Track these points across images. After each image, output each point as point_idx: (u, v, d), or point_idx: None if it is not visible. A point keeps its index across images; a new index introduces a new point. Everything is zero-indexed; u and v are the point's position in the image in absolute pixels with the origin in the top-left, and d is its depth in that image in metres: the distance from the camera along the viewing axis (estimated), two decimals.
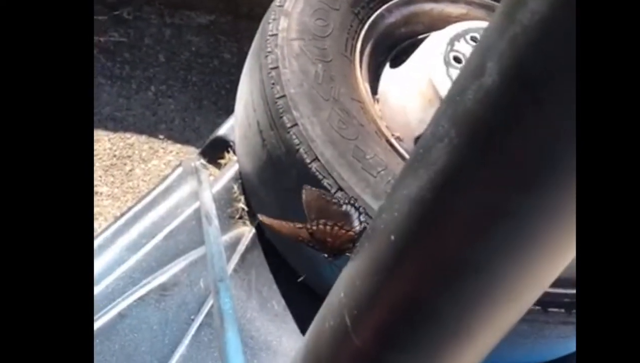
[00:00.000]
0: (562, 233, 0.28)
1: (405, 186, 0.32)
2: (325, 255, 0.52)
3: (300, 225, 0.49)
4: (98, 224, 1.78)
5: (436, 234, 0.31)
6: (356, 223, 0.50)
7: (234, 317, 1.21)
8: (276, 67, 1.33)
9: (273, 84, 1.32)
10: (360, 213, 0.50)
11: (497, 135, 0.27)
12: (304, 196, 0.52)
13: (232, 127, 1.70)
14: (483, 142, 0.28)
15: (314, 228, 0.49)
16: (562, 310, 1.18)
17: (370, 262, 0.35)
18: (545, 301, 1.18)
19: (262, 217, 0.50)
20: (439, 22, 1.59)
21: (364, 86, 1.42)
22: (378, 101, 1.52)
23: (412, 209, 0.31)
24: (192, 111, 2.11)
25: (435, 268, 0.31)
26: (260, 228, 1.48)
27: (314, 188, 0.52)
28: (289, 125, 1.28)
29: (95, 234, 1.62)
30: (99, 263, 1.33)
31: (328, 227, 0.49)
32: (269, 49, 1.36)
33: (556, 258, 0.30)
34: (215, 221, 1.35)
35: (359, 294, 0.36)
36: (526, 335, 1.22)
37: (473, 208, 0.29)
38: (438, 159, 0.30)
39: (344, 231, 0.49)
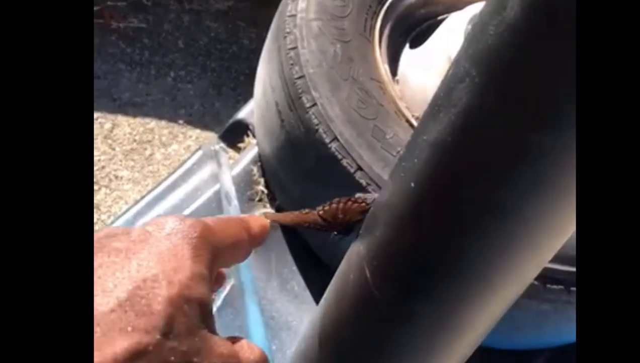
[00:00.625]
0: None
1: (425, 131, 0.32)
2: (335, 233, 0.51)
3: (307, 210, 0.48)
4: (119, 207, 1.80)
5: (457, 178, 0.30)
6: (370, 197, 0.49)
7: (254, 291, 1.21)
8: (295, 48, 1.33)
9: (292, 64, 1.32)
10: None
11: (519, 70, 0.26)
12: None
13: (251, 111, 1.70)
14: (505, 78, 0.27)
15: (326, 208, 0.48)
16: None
17: (390, 211, 0.34)
18: (568, 281, 1.17)
19: (266, 215, 0.48)
20: (459, 3, 1.58)
21: (384, 67, 1.41)
22: (398, 82, 1.52)
23: (432, 155, 0.31)
24: (211, 97, 2.11)
25: (456, 214, 0.31)
26: (280, 210, 1.48)
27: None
28: (307, 105, 1.27)
29: (115, 217, 1.63)
30: None
31: (341, 204, 0.49)
32: (287, 30, 1.36)
33: None
34: (235, 201, 1.35)
35: (379, 245, 0.35)
36: (550, 316, 1.21)
37: (494, 149, 0.28)
38: (459, 101, 0.29)
39: (356, 204, 0.49)
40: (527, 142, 0.27)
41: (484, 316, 0.36)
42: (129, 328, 0.32)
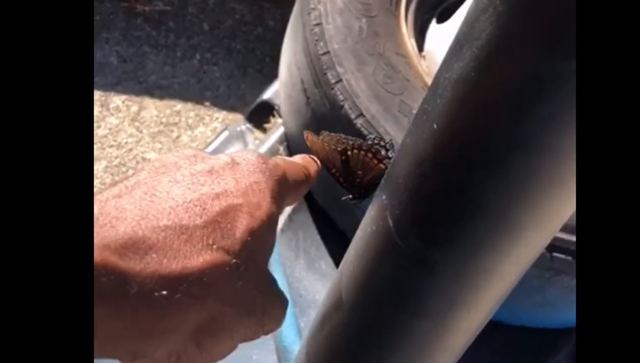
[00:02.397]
0: None
1: (448, 69, 0.30)
2: (351, 196, 0.51)
3: (334, 146, 0.48)
4: None
5: (481, 114, 0.29)
6: (385, 154, 0.48)
7: (281, 268, 1.20)
8: (319, 24, 1.32)
9: (316, 40, 1.31)
10: (388, 150, 0.49)
11: None
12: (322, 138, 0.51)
13: (276, 92, 1.70)
14: (529, 4, 0.26)
15: (347, 153, 0.48)
16: None
17: (412, 156, 0.33)
18: None
19: (306, 133, 0.49)
20: None
21: (410, 42, 1.39)
22: (424, 57, 1.50)
23: (455, 92, 0.30)
24: (236, 78, 2.10)
25: (480, 153, 0.30)
26: None
27: (332, 133, 0.51)
28: (333, 81, 1.26)
29: None
30: None
31: (362, 153, 0.48)
32: (312, 6, 1.35)
33: None
34: None
35: (401, 192, 0.34)
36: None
37: (519, 80, 0.27)
38: (482, 33, 0.28)
39: (375, 162, 0.48)
40: (552, 70, 0.26)
41: (512, 263, 0.35)
42: (215, 246, 0.35)
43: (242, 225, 0.36)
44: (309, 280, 1.39)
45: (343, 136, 0.50)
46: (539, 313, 1.37)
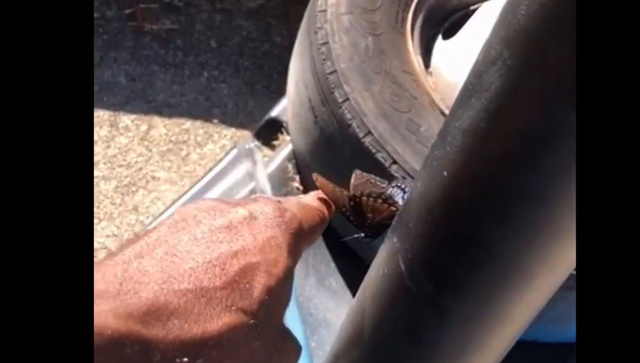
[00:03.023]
0: None
1: (457, 118, 0.31)
2: (362, 235, 0.51)
3: (346, 192, 0.48)
4: (157, 208, 1.81)
5: (491, 164, 0.29)
6: (400, 201, 0.49)
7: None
8: (326, 43, 1.32)
9: (323, 59, 1.31)
10: (405, 193, 0.49)
11: (552, 48, 0.25)
12: (352, 180, 0.51)
13: (284, 109, 1.70)
14: (537, 59, 0.26)
15: (357, 199, 0.48)
16: None
17: (423, 202, 0.34)
18: None
19: (315, 176, 0.49)
20: None
21: (416, 59, 1.40)
22: (431, 73, 1.50)
23: (465, 142, 0.30)
24: (245, 95, 2.11)
25: (490, 202, 0.30)
26: None
27: (364, 173, 0.51)
28: (340, 100, 1.27)
29: (154, 217, 1.64)
30: None
31: (371, 199, 0.48)
32: (318, 25, 1.35)
33: None
34: None
35: (412, 237, 0.34)
36: None
37: (529, 133, 0.27)
38: (491, 85, 0.28)
39: (386, 206, 0.48)
40: (563, 124, 0.26)
41: (522, 308, 0.35)
42: (234, 307, 0.35)
43: (259, 284, 0.37)
44: (320, 298, 1.39)
45: (372, 177, 0.51)
46: (551, 328, 1.36)
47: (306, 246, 0.44)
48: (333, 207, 0.48)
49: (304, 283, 1.38)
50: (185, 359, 0.32)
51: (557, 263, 0.32)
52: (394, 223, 0.38)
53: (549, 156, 0.27)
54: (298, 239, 0.41)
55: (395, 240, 0.36)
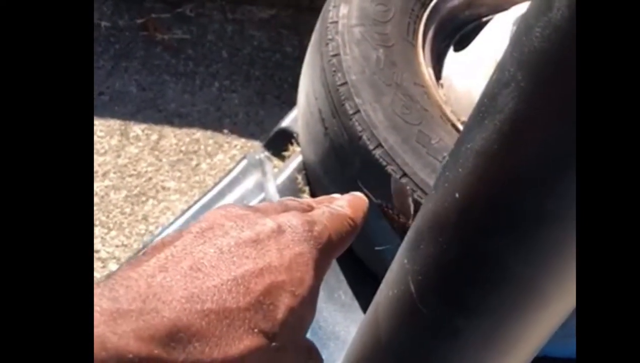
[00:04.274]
0: None
1: (470, 139, 0.30)
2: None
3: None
4: (166, 218, 1.81)
5: (503, 187, 0.29)
6: (412, 213, 0.48)
7: None
8: (337, 55, 1.32)
9: (334, 71, 1.31)
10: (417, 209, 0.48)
11: (567, 73, 0.25)
12: (392, 186, 0.51)
13: (295, 119, 1.70)
14: (552, 82, 0.25)
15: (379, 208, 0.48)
16: None
17: (434, 223, 0.33)
18: None
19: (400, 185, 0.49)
20: (504, 4, 1.55)
21: (427, 71, 1.39)
22: (442, 85, 1.49)
23: (477, 163, 0.30)
24: (255, 105, 2.11)
25: (503, 224, 0.29)
26: None
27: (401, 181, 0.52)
28: (351, 112, 1.26)
29: (163, 227, 1.64)
30: None
31: (390, 211, 0.48)
32: (329, 37, 1.35)
33: None
34: None
35: (423, 258, 0.34)
36: None
37: (542, 156, 0.27)
38: (505, 107, 0.28)
39: (399, 219, 0.48)
40: (574, 145, 0.25)
41: (536, 330, 0.34)
42: (256, 330, 0.34)
43: (283, 305, 0.36)
44: (329, 310, 1.38)
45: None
46: (562, 344, 1.35)
47: (335, 257, 0.43)
48: (365, 213, 0.46)
49: None
50: None
51: (571, 285, 0.32)
52: (403, 244, 0.38)
53: (563, 178, 0.27)
54: (326, 254, 0.40)
55: (405, 261, 0.36)
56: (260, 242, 0.38)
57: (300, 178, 1.57)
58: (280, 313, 0.36)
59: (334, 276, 1.42)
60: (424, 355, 0.36)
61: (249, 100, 2.12)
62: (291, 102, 1.75)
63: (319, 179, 1.44)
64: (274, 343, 0.35)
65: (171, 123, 2.01)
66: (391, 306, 0.38)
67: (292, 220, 0.40)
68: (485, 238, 0.30)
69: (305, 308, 0.37)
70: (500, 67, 0.29)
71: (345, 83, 1.29)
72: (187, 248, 0.36)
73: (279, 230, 0.39)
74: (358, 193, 0.48)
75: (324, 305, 1.38)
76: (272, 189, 1.50)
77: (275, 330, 0.35)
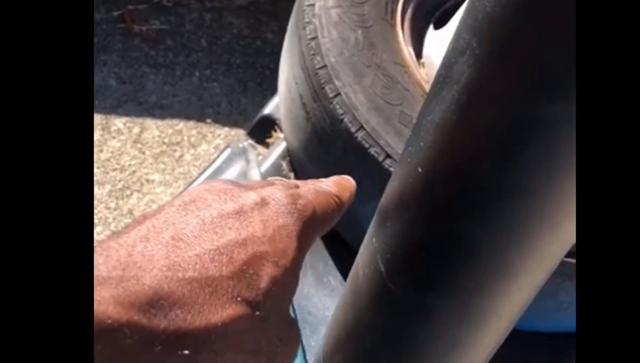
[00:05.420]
0: None
1: (429, 112, 0.29)
2: None
3: None
4: None
5: (465, 159, 0.28)
6: None
7: None
8: (315, 38, 1.31)
9: (313, 54, 1.30)
10: None
11: (520, 37, 0.24)
12: None
13: (277, 106, 1.69)
14: (506, 47, 0.25)
15: None
16: None
17: (399, 200, 0.32)
18: None
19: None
20: None
21: (407, 50, 1.38)
22: (423, 65, 1.48)
23: (437, 136, 0.29)
24: (237, 94, 2.10)
25: (467, 198, 0.29)
26: None
27: None
28: (331, 95, 1.25)
29: None
30: None
31: None
32: (306, 20, 1.34)
33: None
34: None
35: (390, 236, 0.33)
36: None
37: (501, 125, 0.26)
38: (461, 76, 0.27)
39: None
40: (534, 114, 0.25)
41: (507, 306, 0.34)
42: (239, 298, 0.34)
43: (266, 275, 0.36)
44: (319, 296, 1.37)
45: None
46: (553, 319, 1.35)
47: (320, 234, 0.42)
48: (352, 194, 0.46)
49: (302, 282, 1.36)
50: (187, 351, 0.32)
51: (540, 257, 0.31)
52: (372, 221, 0.37)
53: (524, 148, 0.26)
54: (310, 228, 0.40)
55: (374, 239, 0.35)
56: (243, 214, 0.37)
57: (284, 164, 1.56)
58: (264, 282, 0.35)
59: (323, 262, 1.42)
60: (397, 335, 0.36)
61: (231, 89, 2.11)
62: (273, 89, 1.73)
63: (303, 164, 1.43)
64: (257, 312, 0.35)
65: (153, 115, 2.00)
66: (364, 286, 0.37)
67: (276, 193, 0.40)
68: (449, 213, 0.30)
69: (288, 279, 0.37)
70: (456, 36, 0.28)
71: (324, 66, 1.28)
72: (169, 220, 0.36)
73: (263, 203, 0.39)
74: (346, 176, 0.47)
75: (314, 290, 1.38)
76: (255, 176, 1.49)
77: (258, 299, 0.35)
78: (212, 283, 0.34)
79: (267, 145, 1.71)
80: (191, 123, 2.00)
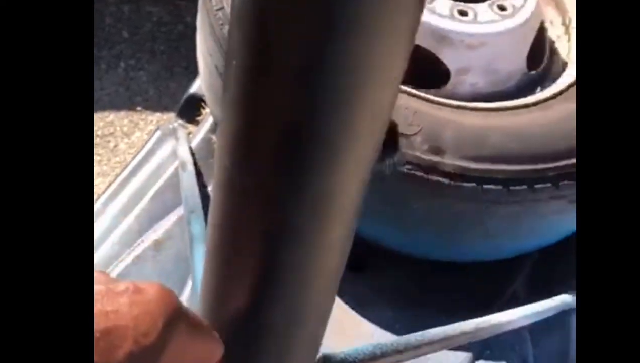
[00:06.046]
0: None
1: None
2: None
3: None
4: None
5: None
6: None
7: (202, 240, 1.20)
8: (222, 8, 1.33)
9: (222, 24, 1.32)
10: None
11: None
12: None
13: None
14: None
15: None
16: (549, 185, 1.17)
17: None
18: (531, 179, 1.16)
19: None
20: None
21: None
22: None
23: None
24: (164, 79, 2.12)
25: (276, 68, 0.31)
26: None
27: None
28: None
29: None
30: (94, 233, 1.36)
31: None
32: None
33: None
34: (190, 167, 1.38)
35: (230, 134, 0.36)
36: (520, 216, 1.21)
37: None
38: None
39: None
40: None
41: (346, 182, 0.36)
42: None
43: (122, 350, 0.33)
44: None
45: None
46: (485, 247, 1.39)
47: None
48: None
49: None
50: None
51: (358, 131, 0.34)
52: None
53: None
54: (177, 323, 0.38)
55: (219, 140, 0.38)
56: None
57: (214, 137, 1.58)
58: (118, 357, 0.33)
59: None
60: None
61: (157, 75, 2.12)
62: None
63: None
64: None
65: None
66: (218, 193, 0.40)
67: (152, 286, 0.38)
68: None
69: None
70: None
71: None
72: None
73: (136, 289, 0.37)
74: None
75: None
76: (183, 151, 1.51)
77: None
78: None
79: (197, 123, 1.74)
80: (122, 113, 2.01)
